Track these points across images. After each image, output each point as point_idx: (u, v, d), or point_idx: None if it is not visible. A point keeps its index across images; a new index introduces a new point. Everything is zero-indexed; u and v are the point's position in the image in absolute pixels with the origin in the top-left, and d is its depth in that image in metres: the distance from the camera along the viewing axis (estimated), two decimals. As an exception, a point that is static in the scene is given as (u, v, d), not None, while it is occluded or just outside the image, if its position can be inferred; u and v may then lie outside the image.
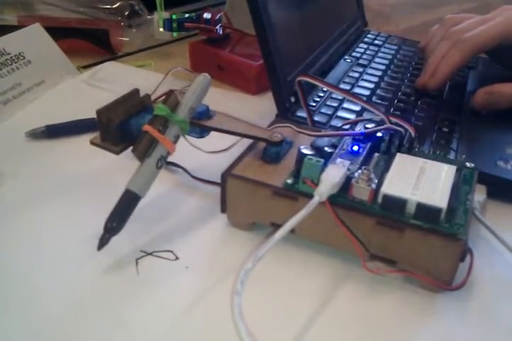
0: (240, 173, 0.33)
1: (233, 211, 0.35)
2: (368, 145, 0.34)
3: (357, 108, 0.47)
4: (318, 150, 0.33)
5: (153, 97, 0.41)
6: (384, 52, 0.63)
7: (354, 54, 0.61)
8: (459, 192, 0.32)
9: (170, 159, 0.33)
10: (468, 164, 0.34)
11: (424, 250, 0.29)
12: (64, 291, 0.30)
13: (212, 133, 0.36)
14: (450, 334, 0.29)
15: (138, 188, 0.31)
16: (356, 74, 0.56)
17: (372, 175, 0.30)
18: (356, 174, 0.30)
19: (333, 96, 0.49)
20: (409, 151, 0.35)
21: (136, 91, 0.35)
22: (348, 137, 0.34)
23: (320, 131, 0.35)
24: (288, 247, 0.33)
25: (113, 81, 0.55)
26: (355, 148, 0.33)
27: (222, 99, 0.51)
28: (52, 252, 0.33)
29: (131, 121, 0.33)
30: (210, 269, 0.32)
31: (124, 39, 0.65)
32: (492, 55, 0.57)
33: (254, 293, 0.28)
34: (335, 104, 0.48)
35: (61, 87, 0.53)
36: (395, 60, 0.62)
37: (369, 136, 0.34)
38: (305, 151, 0.32)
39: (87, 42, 0.62)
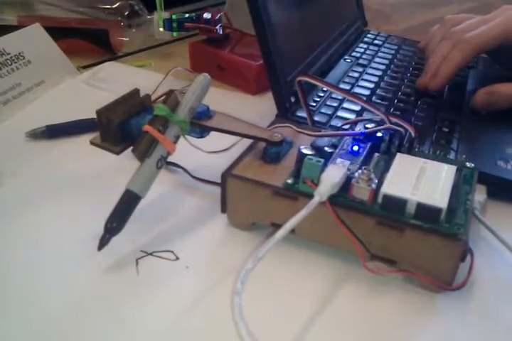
0: (240, 173, 0.33)
1: (233, 211, 0.35)
2: (368, 145, 0.34)
3: (357, 108, 0.47)
4: (319, 150, 0.33)
5: (153, 97, 0.41)
6: (384, 52, 0.63)
7: (354, 54, 0.61)
8: (459, 192, 0.32)
9: (170, 159, 0.33)
10: (468, 164, 0.34)
11: (424, 250, 0.29)
12: (64, 291, 0.30)
13: (212, 133, 0.36)
14: (450, 334, 0.29)
15: (138, 188, 0.31)
16: (356, 74, 0.56)
17: (373, 175, 0.30)
18: (356, 174, 0.30)
19: (333, 96, 0.49)
20: (410, 151, 0.35)
21: (136, 92, 0.35)
22: (348, 137, 0.34)
23: (320, 131, 0.35)
24: (288, 247, 0.33)
25: (113, 81, 0.55)
26: (355, 148, 0.33)
27: (222, 99, 0.51)
28: (52, 252, 0.33)
29: (131, 121, 0.33)
30: (210, 269, 0.32)
31: (124, 39, 0.65)
32: (493, 55, 0.57)
33: (255, 293, 0.28)
34: (335, 104, 0.48)
35: (61, 87, 0.53)
36: (395, 60, 0.62)
37: (369, 136, 0.34)
38: (305, 151, 0.32)
39: (87, 42, 0.62)
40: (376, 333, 0.29)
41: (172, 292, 0.30)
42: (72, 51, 0.57)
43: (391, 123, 0.34)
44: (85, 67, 0.59)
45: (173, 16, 0.60)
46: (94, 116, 0.33)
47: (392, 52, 0.64)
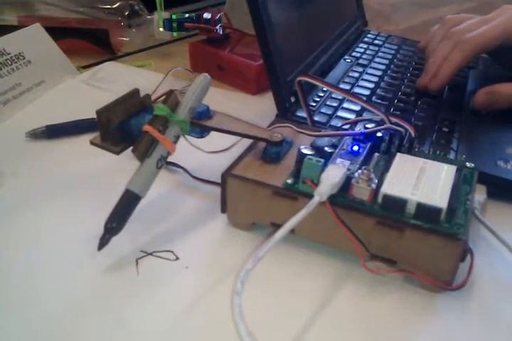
0: (240, 173, 0.33)
1: (233, 211, 0.35)
2: (368, 145, 0.34)
3: (357, 108, 0.47)
4: (318, 150, 0.33)
5: (153, 97, 0.41)
6: (384, 52, 0.63)
7: (354, 54, 0.61)
8: (459, 192, 0.32)
9: (170, 159, 0.33)
10: (468, 164, 0.34)
11: (424, 250, 0.29)
12: (64, 291, 0.30)
13: (213, 133, 0.36)
14: (450, 334, 0.29)
15: (138, 188, 0.31)
16: (356, 74, 0.56)
17: (373, 175, 0.30)
18: (356, 174, 0.30)
19: (333, 96, 0.49)
20: (409, 151, 0.35)
21: (136, 92, 0.35)
22: (348, 137, 0.34)
23: (320, 131, 0.35)
24: (288, 247, 0.33)
25: (113, 81, 0.55)
26: (355, 148, 0.33)
27: (222, 99, 0.51)
28: (52, 252, 0.33)
29: (131, 121, 0.33)
30: (210, 269, 0.32)
31: (124, 39, 0.65)
32: (493, 55, 0.57)
33: (255, 293, 0.28)
34: (335, 104, 0.48)
35: (61, 87, 0.53)
36: (395, 60, 0.62)
37: (369, 136, 0.34)
38: (305, 151, 0.32)
39: (87, 42, 0.62)
40: (376, 333, 0.29)
41: (172, 292, 0.30)
42: (72, 51, 0.57)
43: (391, 123, 0.34)
44: (85, 67, 0.59)
45: (173, 16, 0.60)
46: (94, 116, 0.33)
47: (392, 52, 0.64)
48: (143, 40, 0.66)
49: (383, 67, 0.59)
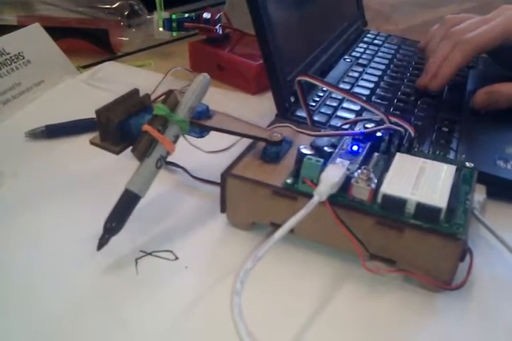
0: (239, 173, 0.33)
1: (233, 211, 0.35)
2: (368, 145, 0.34)
3: (356, 108, 0.47)
4: (318, 150, 0.33)
5: (152, 97, 0.41)
6: (384, 52, 0.63)
7: (354, 54, 0.61)
8: (458, 191, 0.32)
9: (169, 159, 0.33)
10: (467, 164, 0.34)
11: (423, 250, 0.29)
12: (64, 291, 0.30)
13: (212, 132, 0.36)
14: (450, 334, 0.29)
15: (137, 188, 0.31)
16: (356, 74, 0.56)
17: (372, 175, 0.30)
18: (356, 174, 0.30)
19: (333, 95, 0.49)
20: (409, 151, 0.35)
21: (135, 91, 0.35)
22: (347, 137, 0.34)
23: (319, 131, 0.35)
24: (287, 247, 0.33)
25: (112, 81, 0.55)
26: (355, 147, 0.33)
27: (222, 99, 0.51)
28: (52, 252, 0.33)
29: (130, 121, 0.33)
30: (209, 269, 0.32)
31: (124, 39, 0.65)
32: (493, 55, 0.57)
33: (254, 293, 0.28)
34: (334, 104, 0.48)
35: (61, 87, 0.53)
36: (395, 60, 0.62)
37: (369, 136, 0.34)
38: (305, 151, 0.32)
39: (87, 42, 0.62)
40: (375, 333, 0.29)
41: (171, 292, 0.30)
42: (72, 51, 0.57)
43: (391, 123, 0.34)
44: (85, 67, 0.59)
45: (173, 16, 0.60)
46: (94, 115, 0.33)
47: (392, 52, 0.64)
48: (142, 40, 0.66)
49: (383, 66, 0.59)
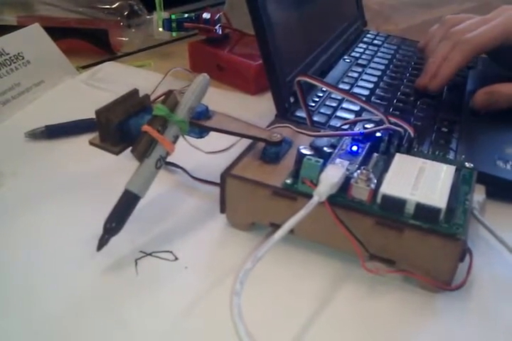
0: (239, 173, 0.33)
1: (232, 211, 0.35)
2: (367, 145, 0.34)
3: (356, 108, 0.47)
4: (318, 151, 0.33)
5: (152, 97, 0.41)
6: (383, 52, 0.63)
7: (353, 54, 0.61)
8: (458, 192, 0.32)
9: (169, 159, 0.33)
10: (467, 164, 0.34)
11: (423, 250, 0.29)
12: (64, 291, 0.30)
13: (212, 133, 0.36)
14: (450, 334, 0.29)
15: (137, 188, 0.31)
16: (355, 74, 0.56)
17: (372, 175, 0.30)
18: (355, 174, 0.30)
19: (333, 96, 0.49)
20: (409, 151, 0.35)
21: (135, 92, 0.35)
22: (347, 137, 0.34)
23: (319, 131, 0.35)
24: (287, 247, 0.33)
25: (112, 81, 0.55)
26: (355, 148, 0.33)
27: (222, 99, 0.51)
28: (52, 252, 0.33)
29: (130, 122, 0.33)
30: (209, 269, 0.32)
31: (124, 39, 0.65)
32: (492, 56, 0.57)
33: (254, 294, 0.28)
34: (334, 104, 0.48)
35: (60, 87, 0.53)
36: (394, 60, 0.62)
37: (368, 136, 0.34)
38: (304, 151, 0.32)
39: (87, 42, 0.62)
40: (375, 333, 0.29)
41: (171, 292, 0.30)
42: (72, 51, 0.57)
43: (390, 123, 0.34)
44: (85, 67, 0.59)
45: (173, 16, 0.60)
46: (94, 116, 0.33)
47: (392, 52, 0.64)
48: (142, 40, 0.66)
49: (382, 67, 0.59)
